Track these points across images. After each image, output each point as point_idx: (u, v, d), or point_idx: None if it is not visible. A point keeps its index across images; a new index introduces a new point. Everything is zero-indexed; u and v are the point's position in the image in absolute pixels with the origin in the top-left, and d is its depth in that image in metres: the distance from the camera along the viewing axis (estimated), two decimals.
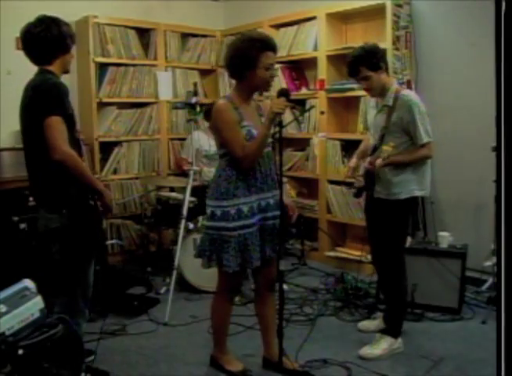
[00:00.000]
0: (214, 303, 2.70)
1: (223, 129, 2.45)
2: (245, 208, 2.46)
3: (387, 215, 2.87)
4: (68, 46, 2.50)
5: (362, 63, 2.82)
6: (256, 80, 2.45)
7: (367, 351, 2.88)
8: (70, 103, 2.44)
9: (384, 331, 2.93)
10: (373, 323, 3.19)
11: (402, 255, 2.93)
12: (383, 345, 2.87)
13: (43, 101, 2.32)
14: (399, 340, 2.92)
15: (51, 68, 2.46)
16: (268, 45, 2.44)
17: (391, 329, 2.91)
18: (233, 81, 2.61)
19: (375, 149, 2.88)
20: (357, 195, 3.06)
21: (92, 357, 2.78)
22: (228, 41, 5.28)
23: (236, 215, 2.45)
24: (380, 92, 2.89)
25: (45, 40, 2.40)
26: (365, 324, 3.21)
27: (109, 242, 4.33)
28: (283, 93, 2.43)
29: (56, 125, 2.29)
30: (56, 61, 2.47)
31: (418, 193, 2.88)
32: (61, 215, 2.40)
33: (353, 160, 3.16)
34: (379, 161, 2.79)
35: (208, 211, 2.53)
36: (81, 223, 2.44)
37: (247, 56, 2.40)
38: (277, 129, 2.38)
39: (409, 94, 2.85)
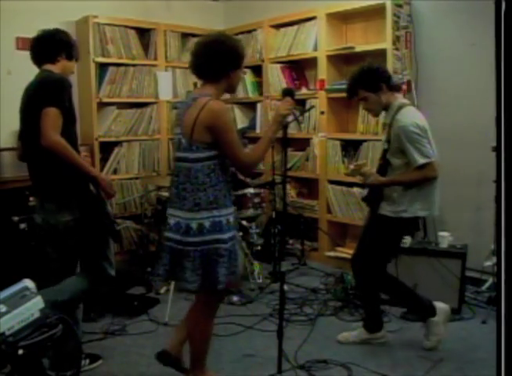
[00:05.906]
0: (201, 324, 2.39)
1: (227, 131, 2.20)
2: (231, 219, 2.29)
3: (384, 230, 2.83)
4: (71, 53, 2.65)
5: (360, 84, 2.77)
6: (235, 80, 2.33)
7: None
8: (71, 98, 2.51)
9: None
10: (352, 334, 3.06)
11: (383, 270, 2.88)
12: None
13: (45, 93, 2.40)
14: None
15: (53, 68, 2.55)
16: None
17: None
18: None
19: (381, 166, 2.84)
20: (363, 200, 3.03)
21: (100, 362, 2.79)
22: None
23: (226, 225, 2.25)
24: (381, 110, 2.84)
25: (53, 40, 2.57)
26: (345, 335, 3.07)
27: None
28: (287, 93, 2.32)
29: (51, 115, 2.35)
30: (59, 62, 2.59)
31: (422, 213, 2.82)
32: (71, 208, 2.44)
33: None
34: (372, 178, 2.78)
35: (192, 224, 2.23)
36: (91, 213, 2.50)
37: (238, 55, 2.29)
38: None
39: (402, 117, 2.71)
